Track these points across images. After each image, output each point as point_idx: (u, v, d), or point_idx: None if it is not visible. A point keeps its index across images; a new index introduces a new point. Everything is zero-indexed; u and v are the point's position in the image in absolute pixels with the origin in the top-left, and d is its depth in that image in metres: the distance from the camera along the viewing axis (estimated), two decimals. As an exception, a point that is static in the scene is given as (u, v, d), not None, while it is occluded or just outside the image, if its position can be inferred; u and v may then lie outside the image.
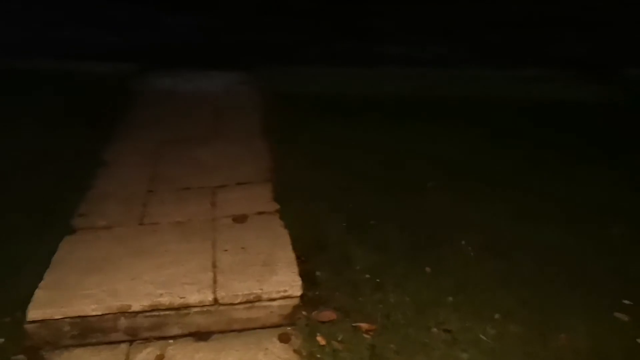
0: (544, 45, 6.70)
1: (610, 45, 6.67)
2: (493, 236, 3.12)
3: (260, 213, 3.20)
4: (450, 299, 2.71)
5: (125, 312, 2.47)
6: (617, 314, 2.60)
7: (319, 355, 2.42)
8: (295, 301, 2.61)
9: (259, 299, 2.57)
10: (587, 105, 5.03)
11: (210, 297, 2.53)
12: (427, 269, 2.89)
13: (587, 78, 5.62)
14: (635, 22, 7.28)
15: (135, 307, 2.47)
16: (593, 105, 5.03)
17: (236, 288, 2.58)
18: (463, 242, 3.07)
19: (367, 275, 2.85)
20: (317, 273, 2.84)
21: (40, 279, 2.61)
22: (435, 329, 2.54)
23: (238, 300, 2.55)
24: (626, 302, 2.66)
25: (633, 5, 7.49)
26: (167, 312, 2.50)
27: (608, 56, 6.32)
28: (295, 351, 2.46)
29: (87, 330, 2.46)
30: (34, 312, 2.43)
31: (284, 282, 2.62)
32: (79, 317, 2.43)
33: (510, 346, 2.44)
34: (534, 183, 3.67)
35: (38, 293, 2.52)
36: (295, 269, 2.71)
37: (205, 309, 2.53)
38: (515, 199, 3.49)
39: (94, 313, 2.44)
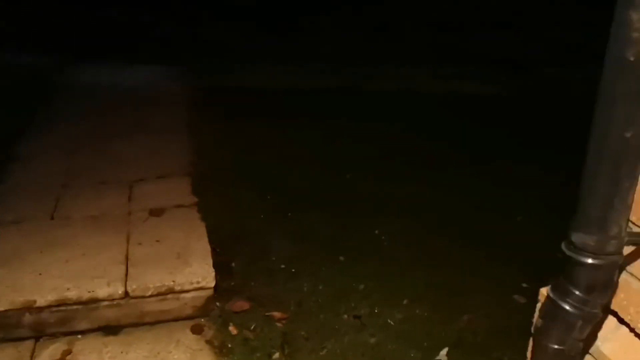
0: (466, 44, 6.94)
1: (527, 45, 6.99)
2: (406, 225, 3.22)
3: (178, 206, 3.19)
4: (362, 286, 2.79)
5: (30, 308, 2.41)
6: (516, 297, 2.75)
7: (230, 345, 2.45)
8: (209, 292, 2.62)
9: (171, 290, 2.57)
10: (505, 99, 5.25)
11: (120, 290, 2.51)
12: (341, 258, 2.97)
13: (506, 76, 5.88)
14: (548, 23, 7.66)
15: (41, 302, 2.42)
16: (509, 100, 5.26)
17: (148, 280, 2.57)
18: (377, 232, 3.17)
19: (283, 265, 2.90)
20: (233, 264, 2.87)
21: (-60, 276, 2.52)
22: (345, 316, 2.62)
23: (149, 293, 2.54)
24: (524, 285, 2.81)
25: (546, 8, 7.88)
26: (74, 307, 2.46)
27: (525, 55, 6.61)
28: (207, 342, 2.47)
29: (-12, 327, 2.39)
30: None
31: (198, 274, 2.63)
32: (-20, 313, 2.36)
33: (416, 329, 2.55)
34: (447, 174, 3.80)
35: (-64, 290, 2.43)
36: (210, 261, 2.72)
37: (115, 302, 2.51)
38: (428, 189, 3.61)
39: (-4, 309, 2.37)
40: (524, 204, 3.50)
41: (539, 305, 1.41)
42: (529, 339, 2.44)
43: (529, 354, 1.46)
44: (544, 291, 1.38)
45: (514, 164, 3.95)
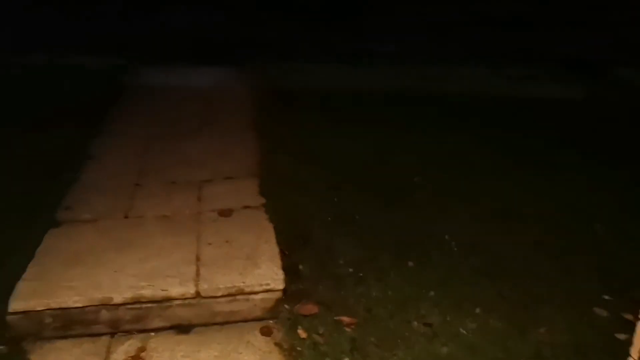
0: (533, 44, 6.72)
1: (598, 44, 6.70)
2: (476, 232, 3.13)
3: (246, 207, 3.21)
4: (432, 293, 2.72)
5: (107, 305, 2.48)
6: (597, 309, 2.62)
7: (299, 348, 2.43)
8: (278, 295, 2.62)
9: (241, 292, 2.58)
10: (575, 103, 5.04)
11: (192, 290, 2.54)
12: (410, 264, 2.91)
13: (576, 76, 5.65)
14: (621, 22, 7.32)
15: (117, 299, 2.48)
16: (581, 103, 5.05)
17: (218, 281, 2.59)
18: (446, 237, 3.09)
19: (350, 270, 2.86)
20: (301, 267, 2.86)
21: (24, 271, 2.61)
22: (415, 323, 2.56)
23: (220, 293, 2.56)
24: (606, 297, 2.68)
25: (619, 6, 7.54)
26: (149, 305, 2.51)
27: (596, 55, 6.34)
28: (276, 344, 2.47)
29: (68, 322, 2.47)
30: (16, 304, 2.44)
31: (267, 276, 2.63)
32: (61, 308, 2.44)
33: (490, 340, 2.46)
34: (517, 180, 3.68)
35: (21, 285, 2.53)
36: (279, 263, 2.72)
37: (187, 301, 2.54)
38: (498, 195, 3.51)
39: (75, 305, 2.45)
40: (602, 210, 3.34)
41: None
42: (614, 355, 2.33)
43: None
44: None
45: (592, 168, 3.79)
